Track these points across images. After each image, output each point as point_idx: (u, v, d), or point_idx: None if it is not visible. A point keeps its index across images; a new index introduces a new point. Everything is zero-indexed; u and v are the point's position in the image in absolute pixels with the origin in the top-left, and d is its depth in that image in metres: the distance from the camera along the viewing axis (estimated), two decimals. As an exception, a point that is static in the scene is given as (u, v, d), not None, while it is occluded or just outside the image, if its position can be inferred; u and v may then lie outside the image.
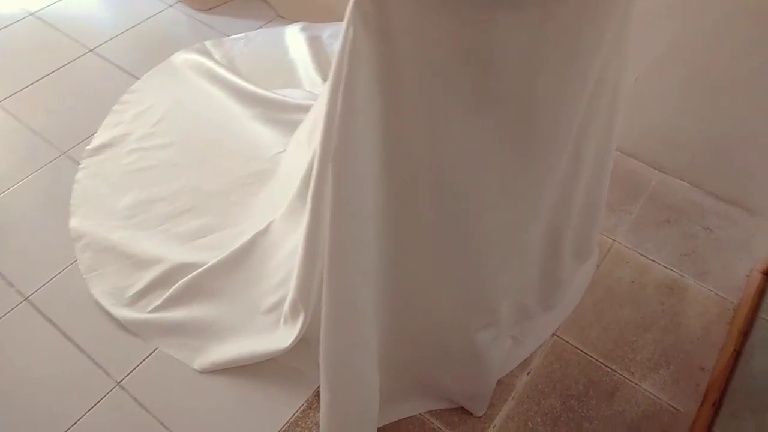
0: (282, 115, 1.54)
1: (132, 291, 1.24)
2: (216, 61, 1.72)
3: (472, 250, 0.85)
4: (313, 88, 1.62)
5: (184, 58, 1.74)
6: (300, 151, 1.28)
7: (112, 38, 1.83)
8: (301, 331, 1.07)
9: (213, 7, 1.96)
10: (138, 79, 1.70)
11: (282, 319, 1.14)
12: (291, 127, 1.50)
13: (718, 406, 1.03)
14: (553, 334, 1.22)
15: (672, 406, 1.12)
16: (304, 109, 1.49)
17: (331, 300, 0.81)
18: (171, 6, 1.95)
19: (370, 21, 0.62)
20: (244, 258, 1.24)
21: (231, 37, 1.83)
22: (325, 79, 1.66)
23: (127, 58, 1.76)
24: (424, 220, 0.82)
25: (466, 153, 0.74)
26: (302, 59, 1.75)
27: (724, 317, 1.25)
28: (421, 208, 0.80)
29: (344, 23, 0.65)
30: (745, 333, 1.12)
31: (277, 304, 1.17)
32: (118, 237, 1.32)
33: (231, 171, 1.46)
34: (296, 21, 1.88)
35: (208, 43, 1.80)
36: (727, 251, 1.36)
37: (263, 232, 1.24)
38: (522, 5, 0.60)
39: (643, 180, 1.49)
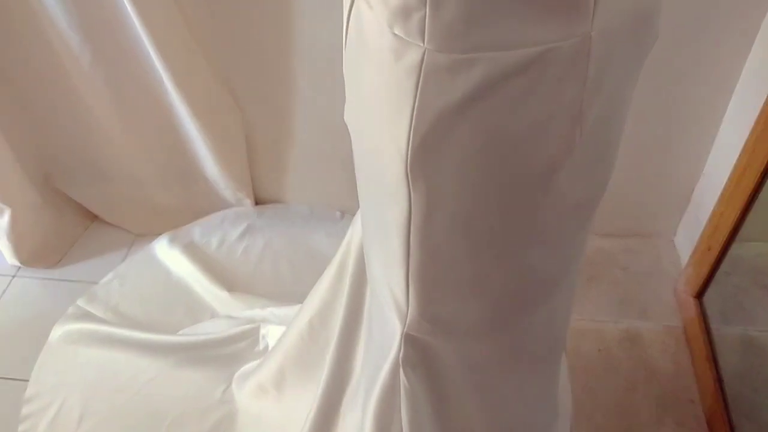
0: (209, 353, 1.45)
1: None
2: (100, 320, 1.57)
3: None
4: (228, 309, 1.55)
5: (64, 331, 1.57)
6: (267, 400, 1.23)
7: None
8: None
9: (61, 258, 1.78)
10: (27, 382, 1.50)
11: None
12: (224, 360, 1.42)
13: (735, 441, 1.16)
14: (571, 440, 1.29)
15: (693, 452, 1.24)
16: (235, 339, 1.42)
17: None
18: (15, 276, 1.74)
19: (418, 367, 0.66)
20: None
21: (100, 283, 1.68)
22: (228, 289, 1.59)
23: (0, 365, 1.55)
24: None
25: (507, 390, 0.79)
26: (191, 274, 1.66)
27: (680, 344, 1.41)
28: None
29: (385, 371, 0.67)
30: (714, 360, 1.27)
31: None
32: None
33: (190, 438, 1.35)
34: (157, 234, 1.78)
35: (80, 302, 1.63)
36: (648, 281, 1.53)
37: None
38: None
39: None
